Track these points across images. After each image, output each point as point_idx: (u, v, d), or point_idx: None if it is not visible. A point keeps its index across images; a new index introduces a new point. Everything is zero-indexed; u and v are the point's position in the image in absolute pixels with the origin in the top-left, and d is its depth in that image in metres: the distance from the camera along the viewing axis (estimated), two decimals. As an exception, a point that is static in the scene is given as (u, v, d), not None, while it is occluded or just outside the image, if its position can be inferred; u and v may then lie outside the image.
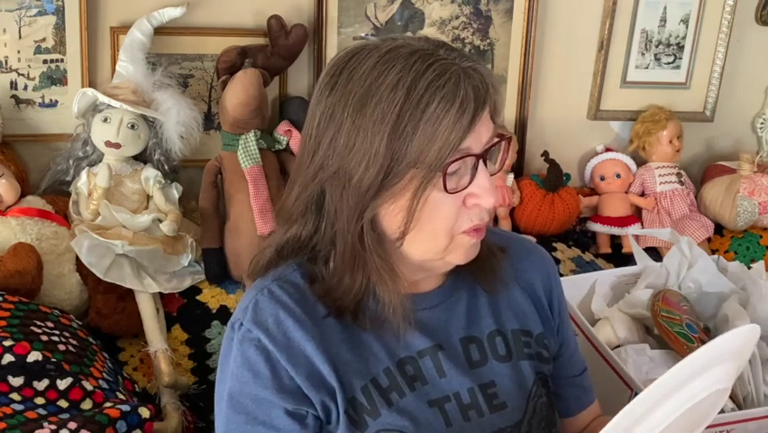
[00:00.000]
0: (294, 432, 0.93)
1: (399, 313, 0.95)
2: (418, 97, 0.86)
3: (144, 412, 1.30)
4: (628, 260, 1.95)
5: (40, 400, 1.30)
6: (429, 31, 2.02)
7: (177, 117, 1.76)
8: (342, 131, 0.89)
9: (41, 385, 1.31)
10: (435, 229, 0.92)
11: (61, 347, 1.39)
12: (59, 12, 1.78)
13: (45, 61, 1.81)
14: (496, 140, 0.92)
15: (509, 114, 2.14)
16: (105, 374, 1.43)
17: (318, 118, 0.92)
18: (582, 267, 1.98)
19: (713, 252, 2.06)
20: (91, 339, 1.52)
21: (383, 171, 0.87)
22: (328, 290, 0.96)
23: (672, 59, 2.21)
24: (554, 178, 2.06)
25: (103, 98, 1.74)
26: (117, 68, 1.79)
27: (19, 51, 1.79)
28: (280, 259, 1.01)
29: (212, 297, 1.73)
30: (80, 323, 1.56)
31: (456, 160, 0.88)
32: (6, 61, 1.79)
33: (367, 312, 0.97)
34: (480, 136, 0.90)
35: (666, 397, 0.82)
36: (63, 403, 1.31)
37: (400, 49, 0.89)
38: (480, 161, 0.90)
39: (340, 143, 0.89)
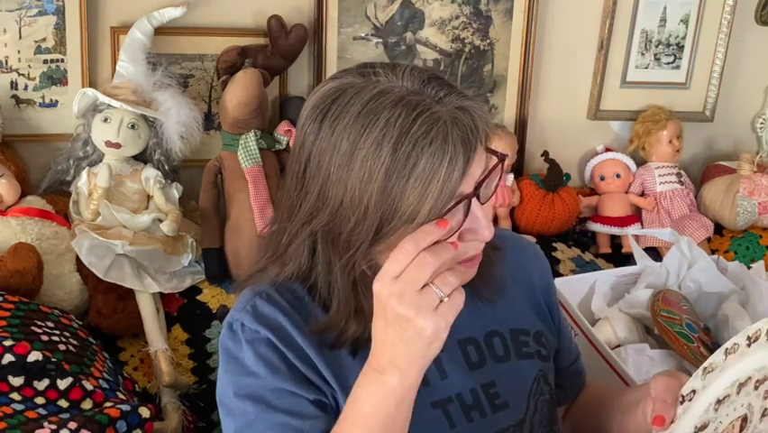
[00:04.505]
0: (318, 418, 0.92)
1: None
2: (405, 156, 0.82)
3: (144, 412, 1.30)
4: (628, 260, 1.95)
5: (40, 400, 1.30)
6: (429, 31, 2.02)
7: (177, 117, 1.76)
8: (328, 184, 0.87)
9: (42, 385, 1.31)
10: None
11: (61, 347, 1.39)
12: (60, 12, 1.78)
13: (45, 61, 1.80)
14: (486, 174, 0.88)
15: (509, 114, 2.14)
16: (105, 374, 1.43)
17: (303, 163, 0.90)
18: (582, 267, 1.98)
19: (713, 252, 2.06)
20: (91, 339, 1.52)
21: (373, 229, 0.85)
22: (325, 331, 0.95)
23: (671, 59, 2.21)
24: (554, 178, 2.06)
25: (103, 98, 1.74)
26: (117, 68, 1.79)
27: (19, 51, 1.79)
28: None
29: (212, 297, 1.73)
30: (80, 323, 1.56)
31: (449, 209, 0.85)
32: (6, 61, 1.79)
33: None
34: (472, 176, 0.87)
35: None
36: (63, 403, 1.31)
37: (384, 96, 0.85)
38: (474, 199, 0.87)
39: (329, 196, 0.87)
